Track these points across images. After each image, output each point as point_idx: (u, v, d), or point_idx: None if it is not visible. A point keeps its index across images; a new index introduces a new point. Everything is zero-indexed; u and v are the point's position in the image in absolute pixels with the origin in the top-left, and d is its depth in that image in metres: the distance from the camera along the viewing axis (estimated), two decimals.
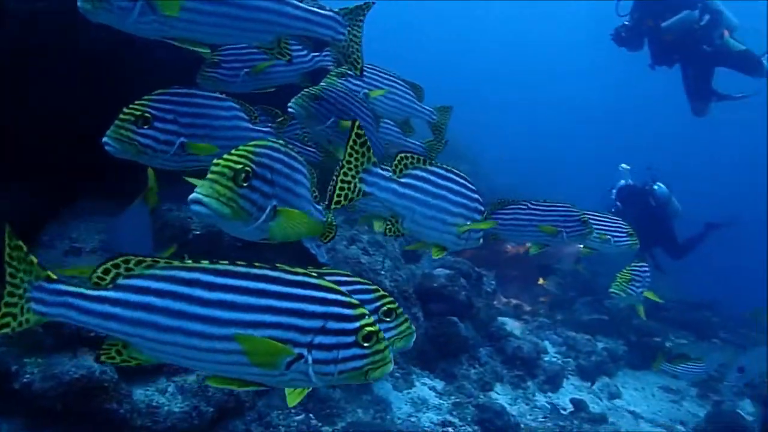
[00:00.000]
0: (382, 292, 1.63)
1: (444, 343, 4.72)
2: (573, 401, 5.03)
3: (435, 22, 31.81)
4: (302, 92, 2.76)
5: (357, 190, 1.81)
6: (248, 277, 1.26)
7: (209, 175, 1.53)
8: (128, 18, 1.68)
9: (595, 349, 6.19)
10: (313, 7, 2.04)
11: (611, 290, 3.41)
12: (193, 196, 1.49)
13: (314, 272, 1.36)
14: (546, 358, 5.69)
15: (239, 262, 1.27)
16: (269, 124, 2.31)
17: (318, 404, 3.47)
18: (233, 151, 1.58)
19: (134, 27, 1.72)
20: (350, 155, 1.79)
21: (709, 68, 6.85)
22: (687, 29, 6.51)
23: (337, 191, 1.79)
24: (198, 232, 3.01)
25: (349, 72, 2.92)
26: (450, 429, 4.01)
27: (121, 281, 1.28)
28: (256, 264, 1.28)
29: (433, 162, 2.00)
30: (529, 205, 2.91)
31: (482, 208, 2.12)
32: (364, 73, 2.91)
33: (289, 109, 2.68)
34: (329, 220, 2.08)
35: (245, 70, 2.60)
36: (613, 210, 7.35)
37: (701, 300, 8.29)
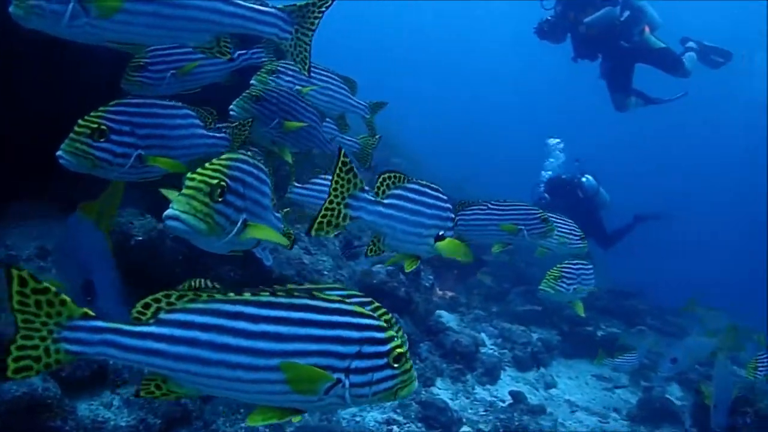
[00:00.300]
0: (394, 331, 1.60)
1: None
2: (512, 393, 5.15)
3: (369, 18, 31.86)
4: (243, 94, 2.72)
5: (342, 215, 1.87)
6: (290, 307, 1.30)
7: (185, 191, 1.53)
8: (60, 22, 1.60)
9: (531, 339, 6.35)
10: (255, 4, 2.01)
11: (540, 287, 3.43)
12: (169, 212, 1.49)
13: (337, 294, 1.41)
14: (483, 351, 5.80)
15: (279, 293, 1.31)
16: (224, 129, 2.27)
17: None
18: (207, 166, 1.58)
19: (68, 31, 1.65)
20: (337, 182, 1.84)
21: (628, 64, 7.04)
22: (608, 25, 6.68)
23: (319, 218, 1.83)
24: (140, 238, 2.94)
25: (281, 68, 2.90)
26: (394, 427, 4.05)
27: (163, 316, 1.28)
28: (295, 293, 1.31)
29: (410, 179, 2.03)
30: (490, 205, 2.98)
31: (453, 216, 2.17)
32: (296, 68, 2.89)
33: (231, 113, 2.63)
34: (286, 229, 2.08)
35: (171, 71, 2.53)
36: (542, 202, 7.55)
37: (629, 289, 8.61)
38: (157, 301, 1.28)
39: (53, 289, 1.25)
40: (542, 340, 6.51)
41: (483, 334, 6.34)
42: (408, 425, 4.09)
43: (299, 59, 2.08)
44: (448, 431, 4.19)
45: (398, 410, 4.22)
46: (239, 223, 1.63)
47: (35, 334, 1.25)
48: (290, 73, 2.90)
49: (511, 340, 6.27)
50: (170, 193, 1.67)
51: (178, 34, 1.86)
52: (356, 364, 1.32)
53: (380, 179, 1.98)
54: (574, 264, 3.45)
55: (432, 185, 2.12)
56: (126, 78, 2.45)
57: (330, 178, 1.93)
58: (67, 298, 1.26)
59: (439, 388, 4.96)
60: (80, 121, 1.78)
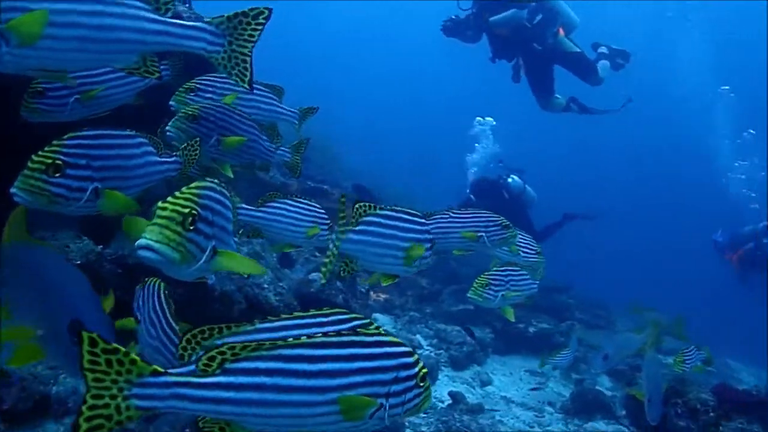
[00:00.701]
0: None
1: None
2: (451, 394, 5.26)
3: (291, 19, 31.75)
4: (178, 114, 2.69)
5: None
6: (340, 345, 1.43)
7: (157, 220, 1.55)
8: None
9: (465, 339, 6.49)
10: (187, 19, 1.99)
11: (468, 295, 3.43)
12: (142, 242, 1.52)
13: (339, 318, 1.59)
14: (420, 352, 5.90)
15: (330, 333, 1.44)
16: (174, 153, 2.25)
17: None
18: (178, 195, 1.61)
19: None
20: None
21: (544, 66, 7.10)
22: (516, 26, 6.72)
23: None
24: (78, 262, 2.87)
25: (199, 85, 2.86)
26: None
27: (229, 366, 1.36)
28: (342, 332, 1.46)
29: (383, 207, 2.12)
30: (451, 214, 3.06)
31: (431, 236, 2.26)
32: (217, 81, 2.87)
33: (167, 134, 2.61)
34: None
35: (74, 96, 2.39)
36: (469, 203, 7.69)
37: (558, 284, 8.86)
38: (222, 353, 1.36)
39: (123, 349, 1.30)
40: (477, 338, 6.66)
41: (419, 336, 6.45)
42: None
43: (235, 72, 2.01)
44: None
45: None
46: (209, 250, 1.66)
47: (105, 392, 1.29)
48: (210, 89, 2.86)
49: (447, 340, 6.39)
50: (135, 221, 1.73)
51: (104, 56, 1.81)
52: (394, 388, 1.48)
53: (354, 209, 2.18)
54: (503, 271, 3.44)
55: (406, 210, 2.28)
56: (24, 106, 2.33)
57: (289, 202, 2.02)
58: (137, 357, 1.31)
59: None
60: (34, 157, 1.75)
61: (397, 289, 7.38)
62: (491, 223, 3.12)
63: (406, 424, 4.52)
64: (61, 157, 1.77)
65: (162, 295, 2.08)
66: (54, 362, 1.57)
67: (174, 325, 1.99)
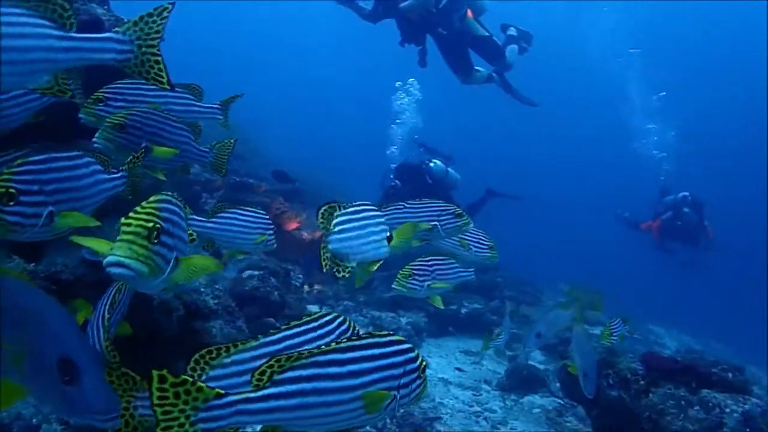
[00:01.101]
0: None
1: None
2: None
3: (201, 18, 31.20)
4: (105, 124, 2.65)
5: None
6: (362, 347, 1.62)
7: (123, 236, 1.61)
8: None
9: (400, 324, 6.62)
10: (106, 21, 1.97)
11: (393, 286, 3.42)
12: (112, 259, 1.57)
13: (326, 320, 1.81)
14: None
15: (353, 338, 1.63)
16: (120, 169, 2.25)
17: None
18: (139, 210, 1.67)
19: None
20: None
21: (456, 46, 7.21)
22: (425, 10, 6.80)
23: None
24: None
25: (107, 94, 2.76)
26: None
27: (277, 377, 1.55)
28: (362, 335, 1.65)
29: (345, 205, 2.41)
30: (406, 204, 3.08)
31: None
32: (125, 88, 2.82)
33: (95, 145, 2.58)
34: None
35: None
36: (393, 190, 7.79)
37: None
38: (271, 366, 1.54)
39: (190, 379, 1.44)
40: (411, 323, 6.81)
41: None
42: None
43: (151, 76, 1.95)
44: None
45: None
46: (172, 261, 1.72)
47: (174, 423, 1.43)
48: (119, 97, 2.79)
49: (382, 327, 6.51)
50: (85, 240, 1.79)
51: (15, 79, 1.75)
52: (403, 380, 1.67)
53: (321, 213, 2.40)
54: (428, 260, 3.44)
55: (366, 203, 2.51)
56: None
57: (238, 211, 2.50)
58: (202, 384, 1.46)
59: None
60: None
61: (329, 280, 7.44)
62: (444, 212, 3.18)
63: None
64: (14, 185, 1.77)
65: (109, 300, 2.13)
66: (39, 400, 1.54)
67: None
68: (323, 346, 1.59)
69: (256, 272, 5.26)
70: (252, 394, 1.52)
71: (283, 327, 1.77)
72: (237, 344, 1.68)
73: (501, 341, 5.18)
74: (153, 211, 1.67)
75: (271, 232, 3.20)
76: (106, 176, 2.18)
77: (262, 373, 1.54)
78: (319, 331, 1.78)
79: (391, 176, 8.11)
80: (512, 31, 7.85)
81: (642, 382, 4.18)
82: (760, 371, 10.04)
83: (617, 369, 4.32)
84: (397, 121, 9.54)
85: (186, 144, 3.02)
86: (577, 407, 5.33)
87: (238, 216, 3.10)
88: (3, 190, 1.73)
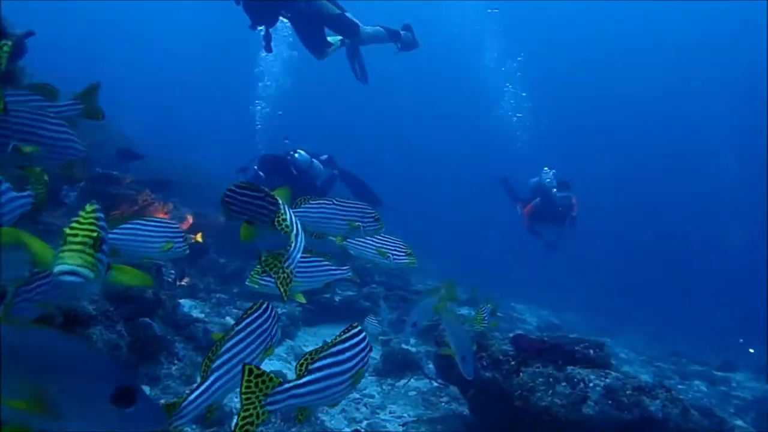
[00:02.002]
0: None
1: (142, 348, 4.75)
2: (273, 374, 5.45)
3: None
4: None
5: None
6: (353, 336, 2.17)
7: (71, 246, 1.75)
8: None
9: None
10: None
11: (246, 282, 3.44)
12: (65, 268, 1.72)
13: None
14: None
15: (344, 335, 2.16)
16: (26, 188, 2.24)
17: None
18: (82, 221, 1.81)
19: None
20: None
21: (308, 28, 7.30)
22: None
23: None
24: None
25: None
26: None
27: (311, 366, 2.06)
28: (347, 332, 2.18)
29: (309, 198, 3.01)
30: (334, 201, 3.22)
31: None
32: None
33: None
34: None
35: None
36: (258, 180, 7.77)
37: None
38: (306, 359, 2.07)
39: (266, 372, 1.93)
40: (286, 313, 6.89)
41: (228, 318, 6.53)
42: (184, 429, 4.20)
43: None
44: (224, 425, 4.37)
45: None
46: (106, 266, 1.87)
47: (251, 406, 1.91)
48: None
49: None
50: (32, 241, 2.02)
51: None
52: (365, 360, 2.22)
53: (299, 201, 2.99)
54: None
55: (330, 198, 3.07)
56: None
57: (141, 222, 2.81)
58: (272, 375, 1.94)
59: None
60: None
61: (195, 270, 7.37)
62: (366, 215, 3.31)
63: (233, 410, 4.65)
64: None
65: None
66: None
67: None
68: (333, 341, 2.13)
69: None
70: (298, 381, 2.02)
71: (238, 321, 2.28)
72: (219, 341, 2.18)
73: (379, 328, 5.38)
74: (93, 220, 1.82)
75: (180, 239, 3.27)
76: (17, 194, 2.25)
77: (301, 365, 2.06)
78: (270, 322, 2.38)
79: (255, 167, 8.10)
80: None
81: (513, 363, 4.49)
82: (613, 342, 10.96)
83: (490, 351, 4.61)
84: (257, 101, 9.47)
85: (66, 140, 2.92)
86: (450, 388, 5.63)
87: (141, 226, 3.13)
88: None
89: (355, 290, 7.90)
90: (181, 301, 6.39)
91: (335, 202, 3.24)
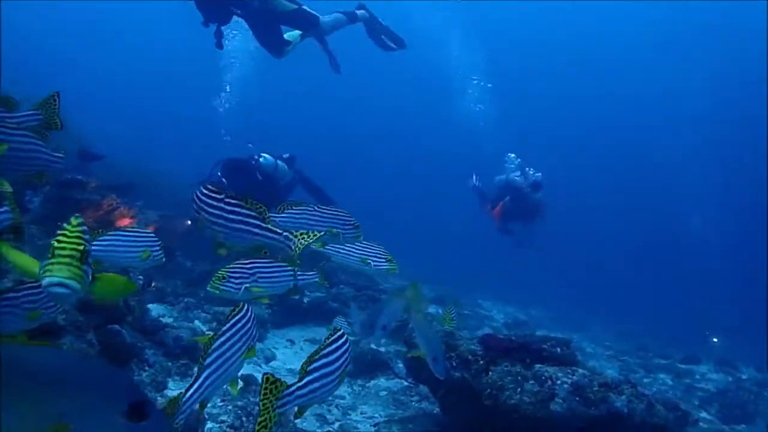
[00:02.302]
0: None
1: (113, 356, 4.74)
2: (242, 377, 5.47)
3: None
4: None
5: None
6: (338, 339, 2.50)
7: (60, 259, 1.82)
8: None
9: None
10: None
11: (207, 288, 3.44)
12: (54, 279, 1.79)
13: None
14: None
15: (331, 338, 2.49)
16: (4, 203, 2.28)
17: None
18: (69, 234, 1.89)
19: None
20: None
21: (264, 26, 7.13)
22: None
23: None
24: None
25: None
26: None
27: (308, 368, 2.38)
28: (333, 335, 2.51)
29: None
30: (316, 208, 3.33)
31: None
32: None
33: None
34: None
35: None
36: (221, 185, 7.69)
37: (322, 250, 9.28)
38: (306, 363, 2.39)
39: (278, 379, 2.24)
40: (255, 315, 6.90)
41: (197, 322, 6.54)
42: None
43: None
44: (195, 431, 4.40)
45: None
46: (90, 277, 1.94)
47: (266, 411, 2.20)
48: None
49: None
50: (15, 256, 2.16)
51: None
52: (349, 359, 2.59)
53: (281, 207, 3.19)
54: (248, 263, 3.42)
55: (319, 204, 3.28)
56: None
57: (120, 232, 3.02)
58: (282, 381, 2.26)
59: (171, 389, 5.09)
60: None
61: (166, 277, 7.35)
62: (346, 223, 3.40)
63: (205, 416, 4.68)
64: None
65: None
66: None
67: None
68: (322, 345, 2.46)
69: None
70: (300, 383, 2.33)
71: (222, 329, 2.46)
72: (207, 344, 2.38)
73: (349, 329, 5.42)
74: (80, 234, 1.90)
75: (157, 247, 3.38)
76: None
77: (302, 368, 2.38)
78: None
79: (218, 173, 7.89)
80: (363, 13, 7.90)
81: (482, 362, 4.58)
82: (579, 336, 11.15)
83: (458, 351, 4.69)
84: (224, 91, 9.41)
85: (34, 152, 2.94)
86: (420, 387, 5.71)
87: (120, 236, 3.24)
88: None
89: (324, 291, 7.93)
90: (149, 306, 6.38)
91: (317, 208, 3.33)
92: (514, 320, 11.82)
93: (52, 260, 1.82)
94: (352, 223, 3.42)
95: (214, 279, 3.38)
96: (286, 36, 7.41)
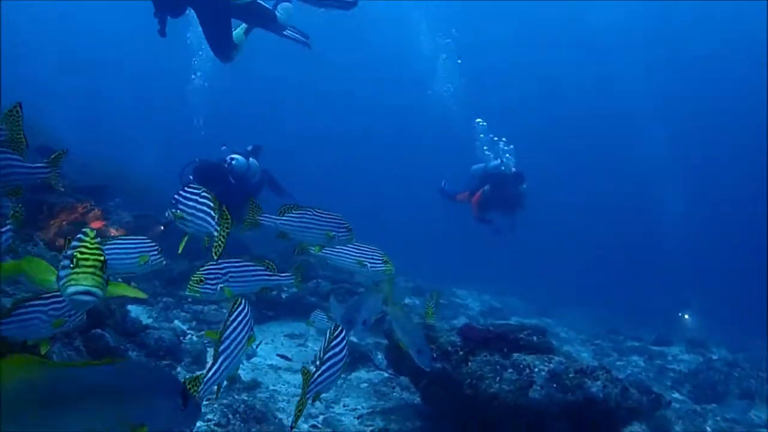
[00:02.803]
0: None
1: (99, 359, 4.81)
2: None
3: None
4: None
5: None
6: (339, 334, 3.15)
7: (84, 269, 1.99)
8: None
9: (223, 316, 6.80)
10: None
11: (186, 292, 3.56)
12: (82, 288, 1.97)
13: None
14: (186, 340, 6.11)
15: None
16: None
17: None
18: (88, 245, 2.06)
19: None
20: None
21: (214, 21, 6.78)
22: None
23: None
24: None
25: None
26: None
27: (322, 359, 3.02)
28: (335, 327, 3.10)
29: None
30: (314, 211, 3.57)
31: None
32: None
33: None
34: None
35: None
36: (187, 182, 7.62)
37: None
38: (319, 355, 3.01)
39: (308, 369, 2.77)
40: (250, 308, 7.00)
41: (177, 321, 6.63)
42: None
43: None
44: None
45: None
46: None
47: (300, 400, 2.92)
48: None
49: (206, 321, 6.67)
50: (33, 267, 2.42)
51: None
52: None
53: (282, 210, 3.54)
54: (218, 264, 3.52)
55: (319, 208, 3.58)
56: None
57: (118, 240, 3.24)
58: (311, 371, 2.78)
59: None
60: None
61: (143, 278, 7.39)
62: (341, 226, 3.62)
63: None
64: None
65: None
66: None
67: None
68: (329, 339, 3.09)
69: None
70: (318, 372, 2.95)
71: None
72: None
73: (327, 323, 5.57)
74: (97, 245, 2.07)
75: (155, 252, 3.52)
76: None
77: (314, 362, 3.10)
78: None
79: (190, 177, 7.78)
80: None
81: (461, 353, 4.75)
82: (553, 322, 11.39)
83: (438, 343, 4.85)
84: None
85: (10, 167, 2.98)
86: (400, 378, 5.87)
87: (117, 244, 3.38)
88: None
89: (302, 285, 8.04)
90: (129, 307, 6.45)
91: (315, 212, 3.57)
92: (489, 308, 12.05)
93: (78, 270, 1.97)
94: (345, 225, 3.62)
95: (191, 282, 3.50)
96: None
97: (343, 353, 3.09)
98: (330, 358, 3.03)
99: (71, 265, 2.00)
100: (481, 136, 11.05)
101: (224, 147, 8.26)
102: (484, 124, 11.00)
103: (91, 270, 1.98)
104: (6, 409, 1.61)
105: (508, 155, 10.54)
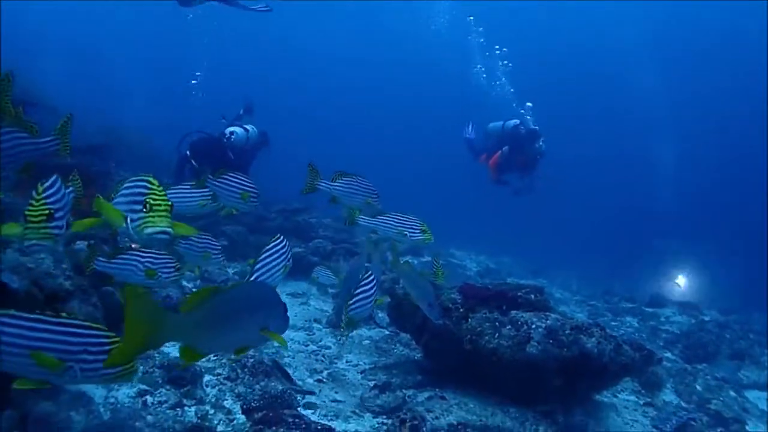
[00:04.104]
0: None
1: (113, 315, 5.05)
2: None
3: None
4: None
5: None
6: (369, 275, 3.89)
7: (158, 212, 2.48)
8: None
9: (228, 275, 7.05)
10: None
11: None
12: (159, 229, 2.47)
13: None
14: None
15: None
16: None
17: None
18: (157, 192, 2.53)
19: None
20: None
21: None
22: None
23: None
24: None
25: None
26: (148, 397, 4.48)
27: (355, 291, 3.81)
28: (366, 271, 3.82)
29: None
30: (358, 180, 4.12)
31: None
32: None
33: None
34: None
35: None
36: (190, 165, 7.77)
37: (297, 205, 9.61)
38: (352, 290, 3.84)
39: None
40: (237, 273, 7.27)
41: (183, 281, 6.84)
42: (159, 390, 4.57)
43: None
44: (196, 385, 4.76)
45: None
46: None
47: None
48: None
49: (211, 280, 6.92)
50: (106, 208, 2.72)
51: None
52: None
53: (334, 175, 4.09)
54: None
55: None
56: None
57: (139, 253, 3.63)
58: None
59: (167, 346, 5.43)
60: None
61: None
62: (374, 193, 4.21)
63: (202, 370, 5.03)
64: None
65: None
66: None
67: None
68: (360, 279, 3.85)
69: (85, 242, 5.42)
70: (355, 298, 3.76)
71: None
72: None
73: (330, 279, 5.85)
74: (162, 190, 2.54)
75: (170, 267, 3.74)
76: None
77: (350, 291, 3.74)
78: None
79: (187, 152, 7.96)
80: None
81: (461, 310, 5.00)
82: (549, 282, 11.68)
83: (439, 301, 5.10)
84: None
85: (18, 146, 3.05)
86: (401, 335, 6.14)
87: (139, 256, 3.70)
88: None
89: (303, 246, 8.29)
90: None
91: (358, 180, 4.11)
92: (486, 269, 12.33)
93: (153, 214, 2.44)
94: (377, 194, 4.17)
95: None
96: None
97: (372, 290, 3.78)
98: (363, 291, 3.74)
99: (144, 210, 2.44)
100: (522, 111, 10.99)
101: (223, 119, 8.33)
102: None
103: (164, 213, 2.44)
104: (194, 327, 2.14)
105: (526, 114, 10.53)
